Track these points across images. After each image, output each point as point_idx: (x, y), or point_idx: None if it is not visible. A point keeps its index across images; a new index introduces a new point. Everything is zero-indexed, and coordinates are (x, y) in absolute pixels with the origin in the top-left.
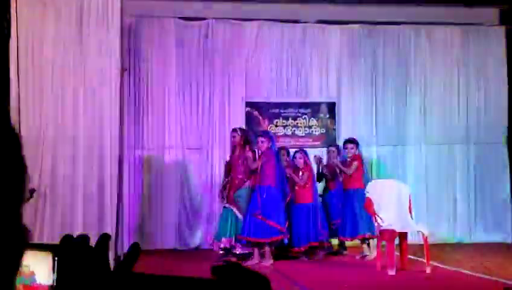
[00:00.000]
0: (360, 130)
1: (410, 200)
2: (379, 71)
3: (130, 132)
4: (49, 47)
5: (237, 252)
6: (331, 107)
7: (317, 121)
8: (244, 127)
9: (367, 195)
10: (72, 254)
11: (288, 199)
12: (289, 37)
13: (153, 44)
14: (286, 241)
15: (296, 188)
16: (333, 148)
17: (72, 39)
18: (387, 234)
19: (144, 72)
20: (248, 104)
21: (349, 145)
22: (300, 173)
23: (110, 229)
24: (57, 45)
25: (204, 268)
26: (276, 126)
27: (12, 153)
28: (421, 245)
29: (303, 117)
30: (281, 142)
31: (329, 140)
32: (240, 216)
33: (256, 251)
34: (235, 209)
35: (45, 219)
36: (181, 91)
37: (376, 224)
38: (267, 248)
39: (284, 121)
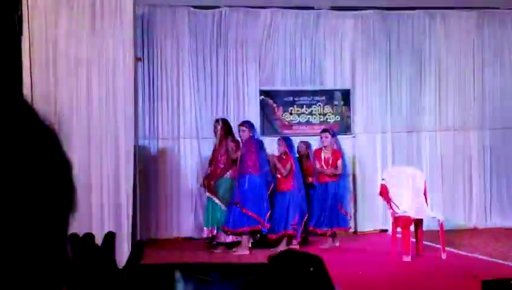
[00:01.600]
0: (375, 117)
1: (425, 187)
2: (394, 57)
3: (144, 122)
4: (62, 39)
5: (221, 241)
6: (346, 94)
7: (331, 108)
8: (225, 117)
9: (382, 182)
10: (78, 253)
11: (271, 188)
12: (303, 24)
13: (166, 33)
14: (265, 230)
15: (278, 176)
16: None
17: (85, 30)
18: (403, 221)
19: (158, 61)
20: (262, 92)
21: (323, 135)
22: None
23: (125, 220)
24: (71, 36)
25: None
26: (291, 114)
27: (63, 177)
28: (437, 231)
29: (317, 105)
30: (296, 131)
31: (344, 127)
32: (221, 206)
33: (244, 239)
34: (215, 199)
35: None
36: (195, 80)
37: (391, 211)
38: (244, 237)
39: (298, 108)
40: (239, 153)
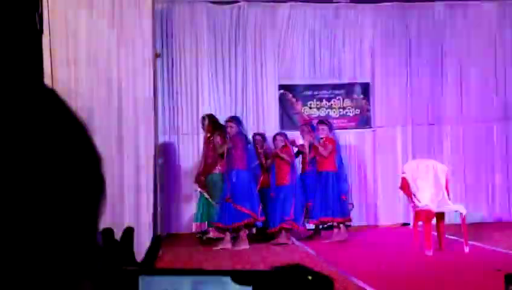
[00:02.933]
0: (395, 110)
1: (447, 180)
2: (413, 50)
3: (164, 117)
4: (82, 36)
5: (210, 237)
6: (365, 87)
7: (351, 102)
8: (210, 113)
9: (403, 175)
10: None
11: (260, 181)
12: (321, 17)
13: (185, 29)
14: (260, 224)
15: (276, 170)
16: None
17: (104, 26)
18: (424, 215)
19: (177, 57)
20: (281, 86)
21: (320, 126)
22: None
23: (146, 215)
24: (90, 33)
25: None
26: (310, 108)
27: (94, 171)
28: (459, 225)
29: (337, 98)
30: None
31: (363, 121)
32: (211, 201)
33: (227, 235)
34: (205, 194)
35: None
36: (214, 76)
37: (412, 204)
38: (241, 232)
39: (317, 102)
40: (225, 148)
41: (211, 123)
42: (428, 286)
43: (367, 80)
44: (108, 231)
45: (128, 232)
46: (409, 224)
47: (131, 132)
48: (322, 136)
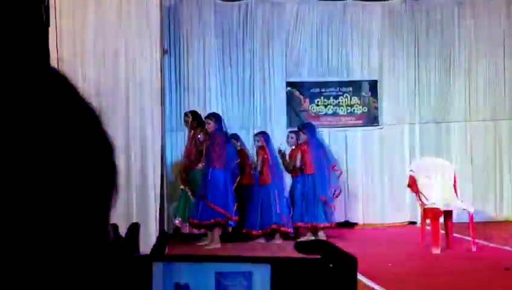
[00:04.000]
0: (403, 108)
1: (455, 178)
2: (421, 47)
3: (171, 114)
4: (90, 31)
5: (185, 233)
6: (373, 85)
7: (359, 99)
8: (194, 110)
9: (410, 173)
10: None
11: (237, 180)
12: (329, 14)
13: (192, 26)
14: (233, 223)
15: (259, 169)
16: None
17: (112, 21)
18: (432, 213)
19: (184, 53)
20: (289, 83)
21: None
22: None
23: (153, 212)
24: (98, 28)
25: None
26: (317, 105)
27: (105, 159)
28: (467, 223)
29: (344, 96)
30: (323, 122)
31: (371, 118)
32: (191, 198)
33: (209, 233)
34: (188, 191)
35: None
36: (221, 73)
37: (420, 202)
38: (214, 231)
39: (325, 100)
40: (203, 145)
41: (195, 120)
42: (436, 285)
43: (375, 77)
44: (113, 227)
45: (134, 227)
46: (415, 223)
47: (138, 129)
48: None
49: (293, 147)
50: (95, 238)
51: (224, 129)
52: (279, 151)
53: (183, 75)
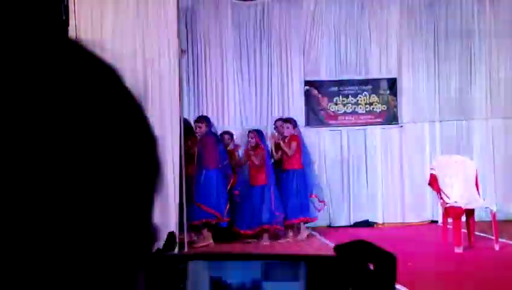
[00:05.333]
0: (423, 106)
1: (476, 176)
2: (441, 44)
3: (190, 114)
4: (108, 32)
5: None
6: (392, 83)
7: (378, 97)
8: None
9: (431, 171)
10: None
11: (231, 181)
12: (347, 12)
13: (209, 26)
14: (224, 224)
15: (251, 170)
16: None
17: (130, 23)
18: (453, 211)
19: (201, 54)
20: (307, 82)
21: (285, 125)
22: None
23: (173, 209)
24: (116, 29)
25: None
26: (336, 104)
27: (149, 154)
28: (489, 222)
29: (363, 94)
30: (342, 121)
31: (390, 117)
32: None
33: (204, 233)
34: None
35: None
36: (239, 72)
37: (441, 201)
38: (204, 230)
39: (343, 98)
40: (194, 149)
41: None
42: (458, 284)
43: (394, 75)
44: (169, 235)
45: (171, 237)
46: (437, 221)
47: (157, 130)
48: (286, 135)
49: (286, 138)
50: (138, 236)
51: (213, 130)
52: (280, 141)
53: (201, 75)
